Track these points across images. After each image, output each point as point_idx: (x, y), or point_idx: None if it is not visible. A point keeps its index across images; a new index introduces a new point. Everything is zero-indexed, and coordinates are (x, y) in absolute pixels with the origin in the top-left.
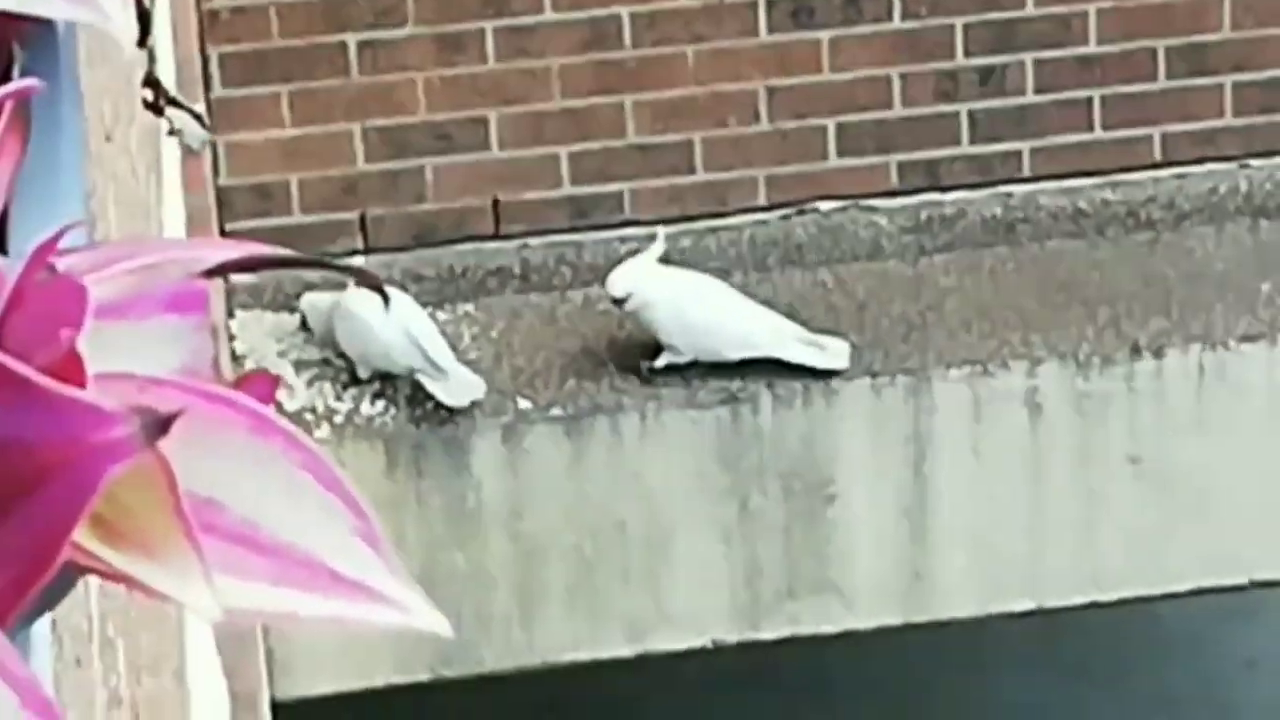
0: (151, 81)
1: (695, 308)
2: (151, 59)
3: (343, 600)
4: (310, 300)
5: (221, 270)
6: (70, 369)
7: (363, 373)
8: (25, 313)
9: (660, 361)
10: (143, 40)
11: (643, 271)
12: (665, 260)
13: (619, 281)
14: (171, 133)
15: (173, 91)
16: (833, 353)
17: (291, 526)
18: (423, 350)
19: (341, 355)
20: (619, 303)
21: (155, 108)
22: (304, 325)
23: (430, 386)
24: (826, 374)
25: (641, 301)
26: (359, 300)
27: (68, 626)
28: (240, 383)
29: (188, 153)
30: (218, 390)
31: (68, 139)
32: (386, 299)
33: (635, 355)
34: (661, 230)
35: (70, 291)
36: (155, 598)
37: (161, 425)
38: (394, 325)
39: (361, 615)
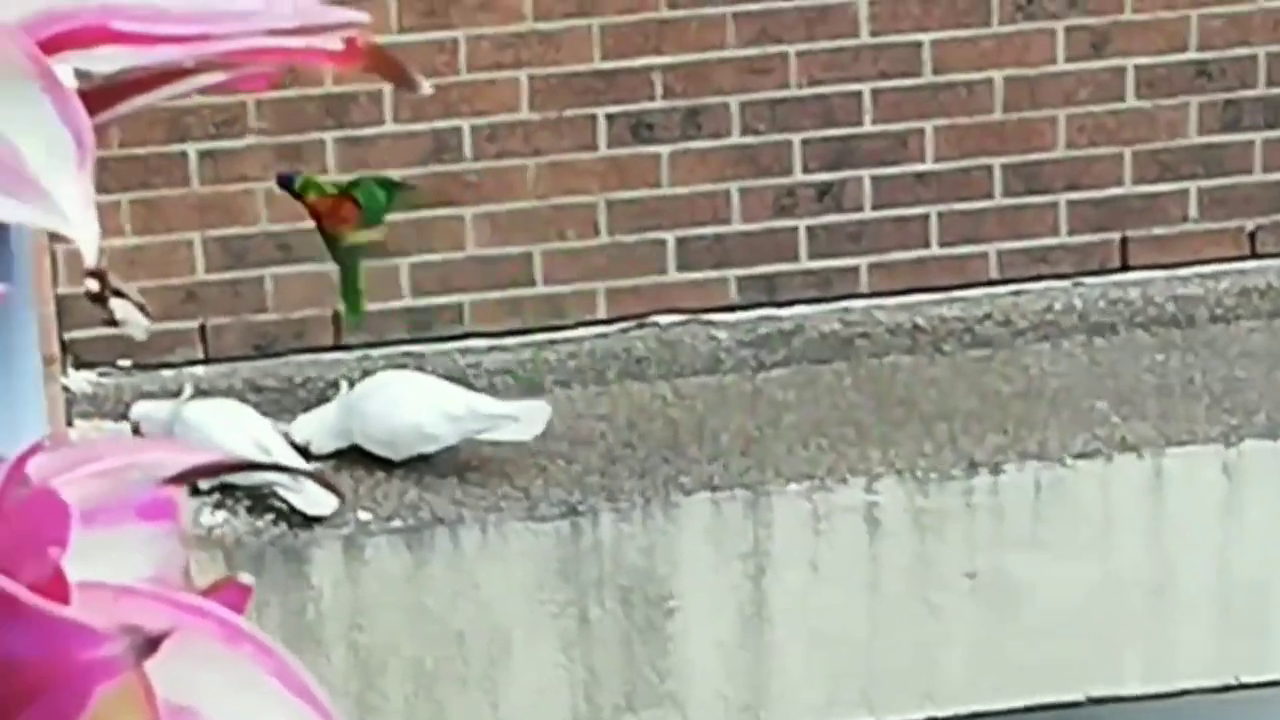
0: (97, 273)
1: (387, 413)
2: (98, 252)
3: None
4: (145, 410)
5: (186, 476)
6: (56, 586)
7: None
8: (6, 528)
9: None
10: None
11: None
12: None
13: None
14: (112, 323)
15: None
16: (530, 418)
17: None
18: (277, 461)
19: None
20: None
21: (99, 298)
22: (136, 434)
23: (288, 496)
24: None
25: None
26: (200, 411)
27: None
28: (211, 590)
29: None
30: (190, 600)
31: (23, 344)
32: (342, 498)
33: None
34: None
35: (53, 507)
36: None
37: (151, 644)
38: (242, 436)
39: None
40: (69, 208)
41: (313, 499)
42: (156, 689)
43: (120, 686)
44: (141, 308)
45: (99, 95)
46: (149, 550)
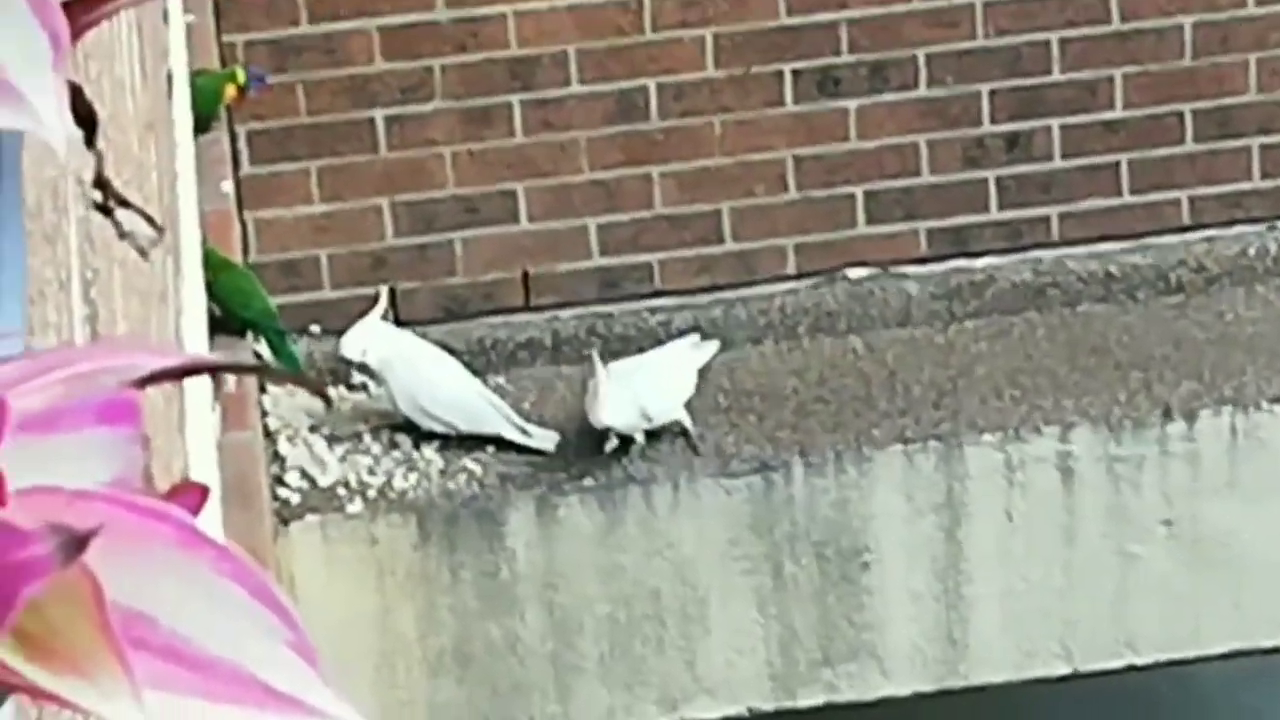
0: (101, 182)
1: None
2: (100, 160)
3: (277, 715)
4: (365, 344)
5: (158, 378)
6: None
7: (425, 424)
8: None
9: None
10: (90, 141)
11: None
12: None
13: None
14: (121, 235)
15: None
16: (539, 438)
17: (223, 640)
18: (502, 413)
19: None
20: (360, 367)
21: (105, 209)
22: (352, 365)
23: (515, 439)
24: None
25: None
26: (423, 357)
27: None
28: (170, 494)
29: (140, 254)
30: (146, 503)
31: (7, 240)
32: (329, 403)
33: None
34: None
35: None
36: (85, 715)
37: (79, 543)
38: (470, 388)
39: None
40: (43, 110)
41: (539, 438)
42: (109, 593)
43: (60, 584)
44: (149, 219)
45: None
46: (109, 454)
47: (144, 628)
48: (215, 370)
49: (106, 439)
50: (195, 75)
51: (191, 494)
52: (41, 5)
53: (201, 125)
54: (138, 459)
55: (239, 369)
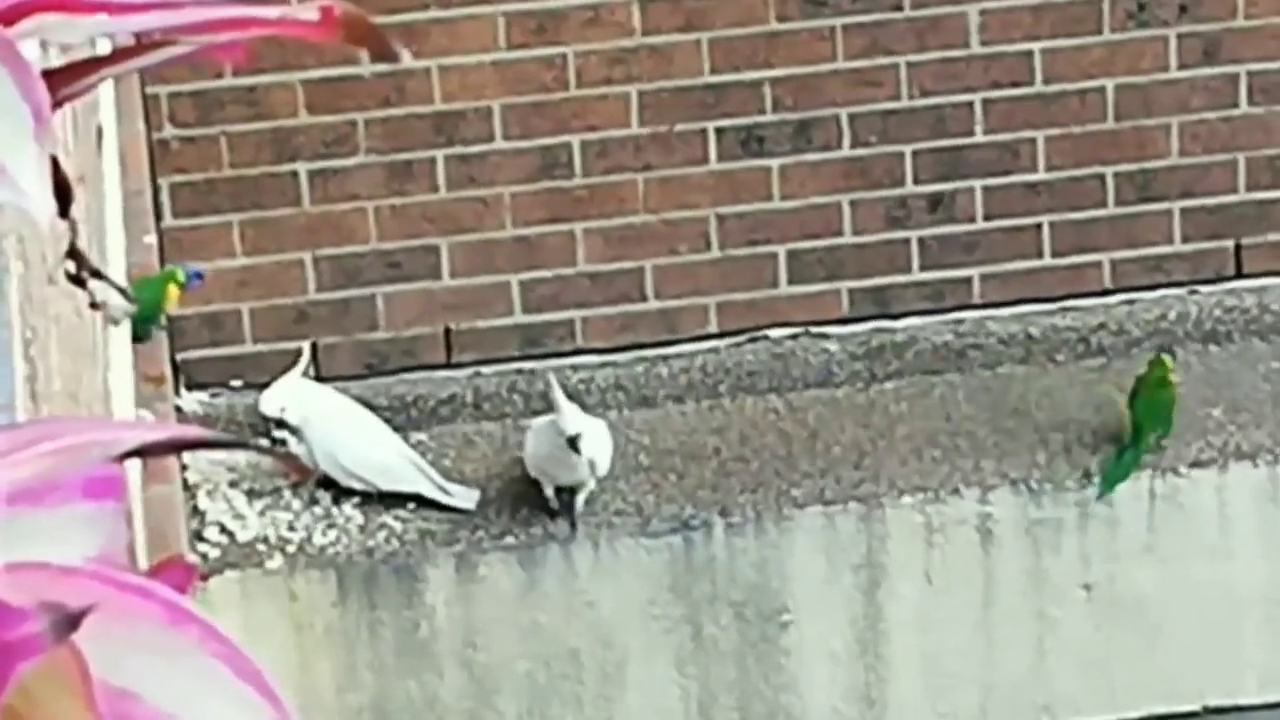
0: (74, 253)
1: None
2: (74, 230)
3: None
4: (286, 397)
5: (142, 452)
6: None
7: (345, 482)
8: None
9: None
10: (64, 212)
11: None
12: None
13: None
14: (94, 305)
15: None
16: (460, 496)
17: (208, 719)
18: (422, 470)
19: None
20: (279, 423)
21: (78, 280)
22: (271, 421)
23: (438, 497)
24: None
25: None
26: (343, 414)
27: None
28: (156, 571)
29: (110, 323)
30: (133, 580)
31: None
32: (315, 484)
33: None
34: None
35: None
36: None
37: (71, 621)
38: (390, 446)
39: None
40: (25, 182)
41: (459, 496)
42: (95, 671)
43: (48, 666)
44: (122, 291)
45: (65, 69)
46: (93, 529)
47: (129, 705)
48: (198, 446)
49: (92, 513)
50: (137, 283)
51: (178, 571)
52: (24, 76)
53: (141, 334)
54: (122, 534)
55: (221, 444)
